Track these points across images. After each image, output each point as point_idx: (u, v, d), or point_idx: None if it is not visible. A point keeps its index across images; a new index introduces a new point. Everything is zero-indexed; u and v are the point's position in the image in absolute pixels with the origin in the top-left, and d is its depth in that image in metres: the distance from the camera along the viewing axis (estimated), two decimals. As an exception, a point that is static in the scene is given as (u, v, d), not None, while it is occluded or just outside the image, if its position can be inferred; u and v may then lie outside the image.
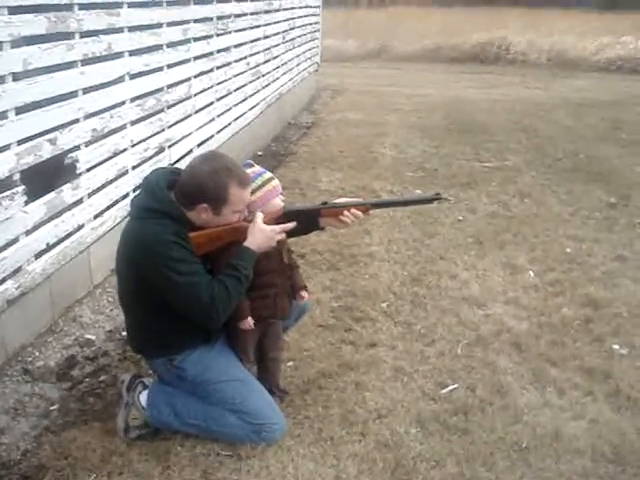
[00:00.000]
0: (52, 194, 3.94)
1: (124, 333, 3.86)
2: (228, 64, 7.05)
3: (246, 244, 2.90)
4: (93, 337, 3.95)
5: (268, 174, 3.08)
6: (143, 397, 3.03)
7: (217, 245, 2.94)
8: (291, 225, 3.01)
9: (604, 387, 3.47)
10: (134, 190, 4.86)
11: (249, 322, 3.01)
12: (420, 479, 2.79)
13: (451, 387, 3.44)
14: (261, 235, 2.92)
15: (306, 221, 3.13)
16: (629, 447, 3.00)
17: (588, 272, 4.90)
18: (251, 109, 8.12)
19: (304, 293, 3.23)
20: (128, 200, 4.76)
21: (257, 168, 3.07)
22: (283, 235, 3.01)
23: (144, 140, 5.07)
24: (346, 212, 3.10)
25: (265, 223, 2.94)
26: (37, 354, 3.74)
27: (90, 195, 4.36)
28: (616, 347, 3.86)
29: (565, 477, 2.82)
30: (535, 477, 2.82)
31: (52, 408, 3.30)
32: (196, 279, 2.80)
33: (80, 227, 4.28)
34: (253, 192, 2.97)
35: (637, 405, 3.32)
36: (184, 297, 2.79)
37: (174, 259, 2.76)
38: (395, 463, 2.87)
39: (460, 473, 2.83)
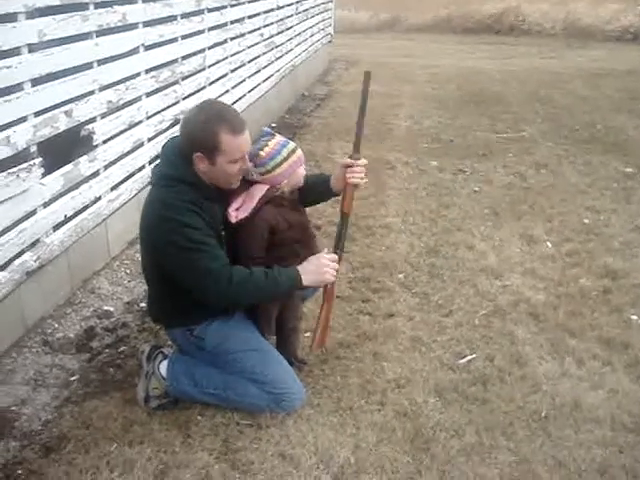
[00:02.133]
0: (69, 166, 3.94)
1: (142, 304, 3.89)
2: (242, 35, 7.00)
3: (300, 269, 2.91)
4: (112, 309, 3.97)
5: (292, 144, 3.04)
6: (163, 367, 3.05)
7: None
8: (336, 266, 3.03)
9: (623, 357, 3.46)
10: (150, 162, 4.86)
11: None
12: (439, 448, 2.79)
13: (469, 357, 3.44)
14: (316, 268, 2.95)
15: (321, 187, 3.14)
16: (648, 416, 3.00)
17: (606, 243, 4.87)
18: (265, 81, 8.07)
19: None
20: (144, 172, 4.77)
21: (279, 138, 3.03)
22: (334, 277, 3.02)
23: (159, 112, 5.05)
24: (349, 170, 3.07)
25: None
26: (56, 326, 3.76)
27: (106, 167, 4.36)
28: (634, 317, 3.85)
29: (584, 446, 2.82)
30: (554, 446, 2.82)
31: (72, 379, 3.32)
32: (208, 248, 2.77)
33: (97, 199, 4.28)
34: (279, 164, 2.95)
35: (656, 375, 3.31)
36: (191, 266, 2.75)
37: (183, 224, 2.74)
38: (414, 432, 2.88)
39: (479, 442, 2.83)
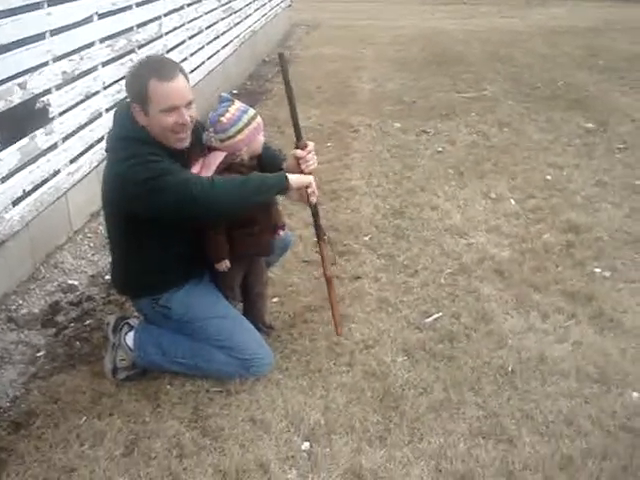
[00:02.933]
0: (25, 140, 3.87)
1: (107, 277, 3.86)
2: (199, 1, 6.90)
3: (287, 173, 2.92)
4: (76, 282, 3.93)
5: (252, 110, 3.00)
6: (129, 338, 3.03)
7: None
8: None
9: (587, 310, 3.51)
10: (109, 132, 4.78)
11: (226, 263, 2.98)
12: (408, 406, 2.82)
13: (436, 316, 3.47)
14: (301, 180, 2.97)
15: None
16: (613, 367, 3.05)
17: (569, 198, 4.91)
18: (224, 47, 7.98)
19: (281, 232, 3.22)
20: (103, 144, 4.68)
21: (239, 104, 2.98)
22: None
23: (116, 82, 4.96)
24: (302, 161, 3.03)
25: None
26: (20, 302, 3.72)
27: (64, 139, 4.28)
28: (598, 270, 3.90)
29: (551, 398, 2.86)
30: (521, 399, 2.86)
31: (39, 354, 3.29)
32: (177, 167, 2.74)
33: (56, 173, 4.21)
34: (240, 130, 2.90)
35: (620, 326, 3.37)
36: (169, 185, 2.66)
37: (149, 161, 2.68)
38: (383, 391, 2.90)
39: (447, 398, 2.86)
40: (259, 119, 3.00)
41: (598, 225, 4.46)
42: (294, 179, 2.90)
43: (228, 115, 2.91)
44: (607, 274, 3.86)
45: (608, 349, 3.18)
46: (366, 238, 4.32)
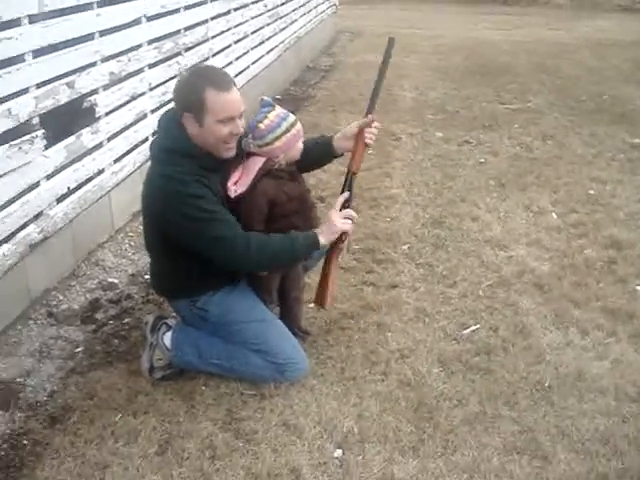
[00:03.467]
0: (72, 138, 3.93)
1: (147, 276, 3.89)
2: (245, 6, 6.95)
3: (319, 233, 2.93)
4: (116, 280, 3.98)
5: (292, 117, 2.99)
6: (167, 338, 3.06)
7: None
8: (353, 214, 3.09)
9: (627, 327, 3.45)
10: (153, 134, 4.83)
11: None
12: (443, 417, 2.80)
13: (473, 327, 3.44)
14: (332, 228, 2.98)
15: (321, 150, 3.13)
16: (652, 387, 3.00)
17: (611, 214, 4.84)
18: (269, 52, 8.02)
19: None
20: (148, 144, 4.74)
21: (279, 110, 2.98)
22: (350, 227, 3.05)
23: (162, 84, 5.02)
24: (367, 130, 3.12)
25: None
26: (61, 298, 3.77)
27: (110, 139, 4.34)
28: (639, 288, 3.84)
29: (588, 416, 2.82)
30: (557, 416, 2.82)
31: (77, 350, 3.34)
32: (219, 215, 2.76)
33: (100, 171, 4.27)
34: (278, 137, 2.90)
35: (661, 345, 3.31)
36: (211, 238, 2.74)
37: (192, 195, 2.72)
38: (417, 402, 2.89)
39: (482, 412, 2.84)
40: (298, 126, 2.99)
41: (641, 242, 4.39)
42: (326, 238, 2.97)
43: (267, 122, 2.91)
44: (649, 292, 3.80)
45: (648, 368, 3.13)
46: (405, 247, 4.30)
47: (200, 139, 2.80)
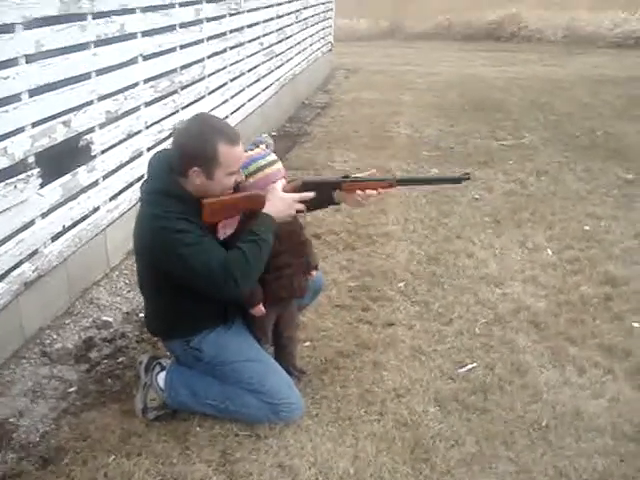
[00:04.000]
0: (67, 176, 3.94)
1: (141, 315, 3.88)
2: (241, 44, 7.01)
3: (265, 211, 2.84)
4: (110, 319, 3.96)
5: (271, 157, 2.96)
6: (161, 378, 3.04)
7: (231, 214, 2.88)
8: (310, 195, 2.93)
9: (624, 365, 3.44)
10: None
11: (260, 308, 2.98)
12: (439, 458, 2.77)
13: (470, 366, 3.42)
14: (281, 202, 2.86)
15: (323, 194, 3.04)
16: (650, 425, 2.98)
17: (607, 250, 4.85)
18: (265, 90, 8.08)
19: (314, 272, 3.20)
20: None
21: (261, 149, 2.97)
22: (302, 205, 2.93)
23: (158, 122, 5.04)
24: (360, 192, 3.00)
25: (284, 192, 2.90)
26: (55, 336, 3.75)
27: (105, 177, 4.35)
28: (636, 325, 3.83)
29: (585, 456, 2.80)
30: (555, 455, 2.80)
31: (70, 390, 3.31)
32: (204, 247, 2.73)
33: (96, 209, 4.27)
34: (253, 174, 2.89)
35: (658, 383, 3.29)
36: (194, 268, 2.71)
37: (178, 231, 2.70)
38: (414, 442, 2.86)
39: (480, 452, 2.82)
40: (277, 166, 2.95)
41: (636, 278, 4.38)
42: (281, 217, 2.88)
43: (251, 153, 2.92)
44: (645, 329, 3.79)
45: (646, 406, 3.11)
46: (401, 284, 4.30)
47: (203, 190, 2.80)
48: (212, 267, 2.71)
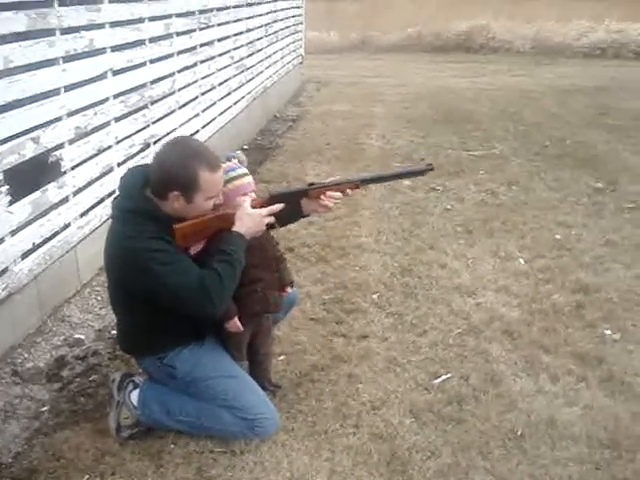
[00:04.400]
0: (37, 193, 3.90)
1: (114, 332, 3.84)
2: (212, 58, 7.01)
3: (235, 229, 2.83)
4: (82, 336, 3.91)
5: (239, 171, 2.97)
6: (134, 396, 3.01)
7: (204, 235, 2.87)
8: (279, 206, 2.93)
9: (597, 372, 3.46)
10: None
11: (236, 322, 2.97)
12: (416, 470, 2.77)
13: (444, 377, 3.43)
14: (249, 219, 2.85)
15: (292, 204, 3.03)
16: (624, 432, 3.00)
17: (578, 258, 4.89)
18: (236, 103, 8.07)
19: (288, 289, 3.21)
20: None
21: (232, 163, 2.98)
22: (271, 218, 2.92)
23: (129, 137, 5.02)
24: (325, 194, 3.01)
25: (252, 207, 2.89)
26: (26, 355, 3.70)
27: (75, 193, 4.31)
28: (608, 332, 3.86)
29: (561, 464, 2.81)
30: (531, 464, 2.81)
31: (43, 409, 3.26)
32: (181, 266, 2.72)
33: (66, 226, 4.23)
34: (224, 185, 2.88)
35: (631, 390, 3.32)
36: (171, 288, 2.69)
37: (153, 250, 2.69)
38: (390, 454, 2.86)
39: (456, 463, 2.82)
40: (240, 182, 2.95)
41: (608, 286, 4.43)
42: (250, 233, 2.87)
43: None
44: (617, 336, 3.82)
45: (619, 413, 3.13)
46: (374, 296, 4.30)
47: (181, 212, 2.79)
48: (191, 287, 2.70)
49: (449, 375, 3.44)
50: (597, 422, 3.07)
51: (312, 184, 3.09)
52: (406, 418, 3.10)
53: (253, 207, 2.90)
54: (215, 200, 2.82)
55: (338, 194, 3.03)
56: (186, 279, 2.71)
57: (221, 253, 2.79)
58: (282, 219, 3.04)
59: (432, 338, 3.80)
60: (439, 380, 3.40)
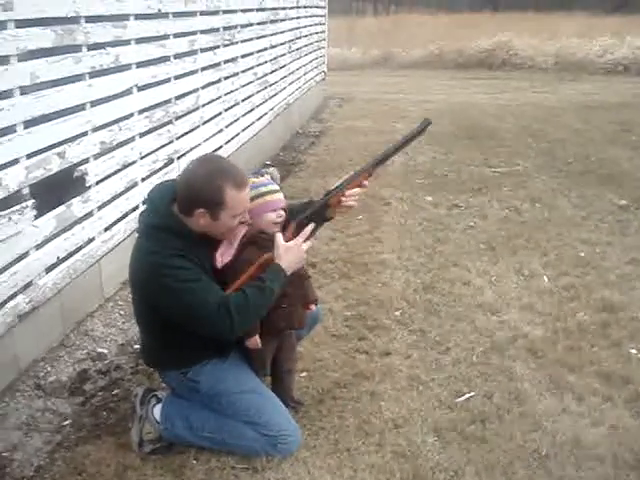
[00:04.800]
0: (62, 207, 3.93)
1: (136, 346, 3.85)
2: (235, 74, 7.04)
3: (276, 261, 2.85)
4: (105, 350, 3.92)
5: (267, 188, 2.97)
6: (157, 411, 3.00)
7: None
8: (310, 228, 2.94)
9: (623, 392, 3.41)
10: (144, 202, 4.84)
11: (256, 340, 2.96)
12: (439, 489, 2.74)
13: (468, 395, 3.40)
14: (289, 254, 2.86)
15: (318, 219, 3.04)
16: (650, 453, 2.96)
17: (603, 276, 4.84)
18: (259, 119, 8.11)
19: (313, 306, 3.19)
20: (138, 212, 4.74)
21: (264, 178, 3.00)
22: (309, 242, 2.94)
23: (153, 152, 5.05)
24: (345, 195, 3.02)
25: (286, 241, 2.89)
26: (49, 369, 3.71)
27: (100, 208, 4.34)
28: (634, 351, 3.81)
29: (586, 485, 2.78)
30: (556, 485, 2.78)
31: (65, 423, 3.27)
32: (201, 286, 2.73)
33: (90, 240, 4.26)
34: (253, 199, 2.89)
35: (657, 410, 3.27)
36: (188, 306, 2.70)
37: (175, 267, 2.70)
38: (413, 474, 2.83)
39: (479, 483, 2.79)
40: (270, 198, 2.96)
41: (633, 304, 4.38)
42: (292, 268, 2.89)
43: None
44: (643, 355, 3.78)
45: (645, 434, 3.09)
46: (397, 313, 4.28)
47: (207, 229, 2.80)
48: (209, 307, 2.71)
49: (472, 393, 3.41)
50: (623, 443, 3.02)
51: (328, 192, 3.09)
52: (429, 437, 3.08)
53: (287, 240, 2.90)
54: (241, 218, 2.83)
55: (357, 190, 3.04)
56: (205, 299, 2.72)
57: (257, 280, 2.81)
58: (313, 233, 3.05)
59: (455, 356, 3.77)
60: (462, 398, 3.37)
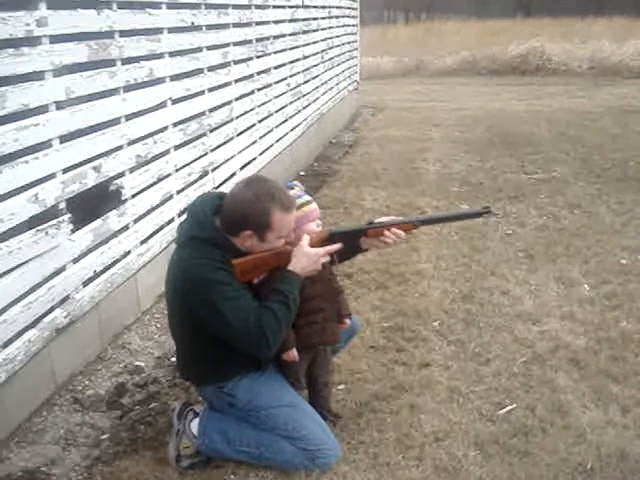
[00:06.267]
0: (98, 221, 3.94)
1: (173, 359, 3.84)
2: (268, 86, 7.05)
3: (290, 267, 2.85)
4: (142, 364, 3.92)
5: (305, 198, 3.00)
6: (194, 425, 2.99)
7: (262, 271, 2.89)
8: (336, 247, 2.93)
9: (670, 404, 3.33)
10: (179, 215, 4.86)
11: (293, 353, 2.94)
12: (482, 505, 2.69)
13: (509, 407, 3.33)
14: (306, 259, 2.85)
15: (351, 243, 3.03)
16: (700, 467, 2.87)
17: (646, 284, 4.74)
18: (292, 130, 8.11)
19: (347, 320, 3.16)
20: (173, 225, 4.76)
21: (295, 191, 3.00)
22: (328, 257, 2.93)
23: (188, 164, 5.06)
24: (387, 232, 3.01)
25: (311, 246, 2.88)
26: (87, 383, 3.72)
27: (136, 221, 4.35)
28: (679, 361, 3.72)
29: (634, 499, 2.70)
30: (602, 500, 2.70)
31: (103, 437, 3.27)
32: (243, 304, 2.75)
33: (127, 253, 4.27)
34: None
35: None
36: (232, 323, 2.71)
37: (220, 283, 2.72)
38: (455, 488, 2.78)
39: (523, 497, 2.72)
40: (308, 209, 2.98)
41: (678, 312, 4.28)
42: (306, 272, 2.87)
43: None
44: (691, 366, 3.68)
45: (695, 447, 3.00)
46: (435, 324, 4.22)
47: (251, 249, 2.83)
48: (249, 325, 2.72)
49: (514, 406, 3.34)
50: (671, 456, 2.94)
51: (371, 222, 3.09)
52: (470, 450, 3.02)
53: (312, 245, 2.89)
54: (287, 238, 2.86)
55: (400, 232, 3.02)
56: (246, 317, 2.73)
57: (277, 293, 2.81)
58: (340, 256, 3.03)
59: (496, 367, 3.70)
60: (504, 411, 3.30)
